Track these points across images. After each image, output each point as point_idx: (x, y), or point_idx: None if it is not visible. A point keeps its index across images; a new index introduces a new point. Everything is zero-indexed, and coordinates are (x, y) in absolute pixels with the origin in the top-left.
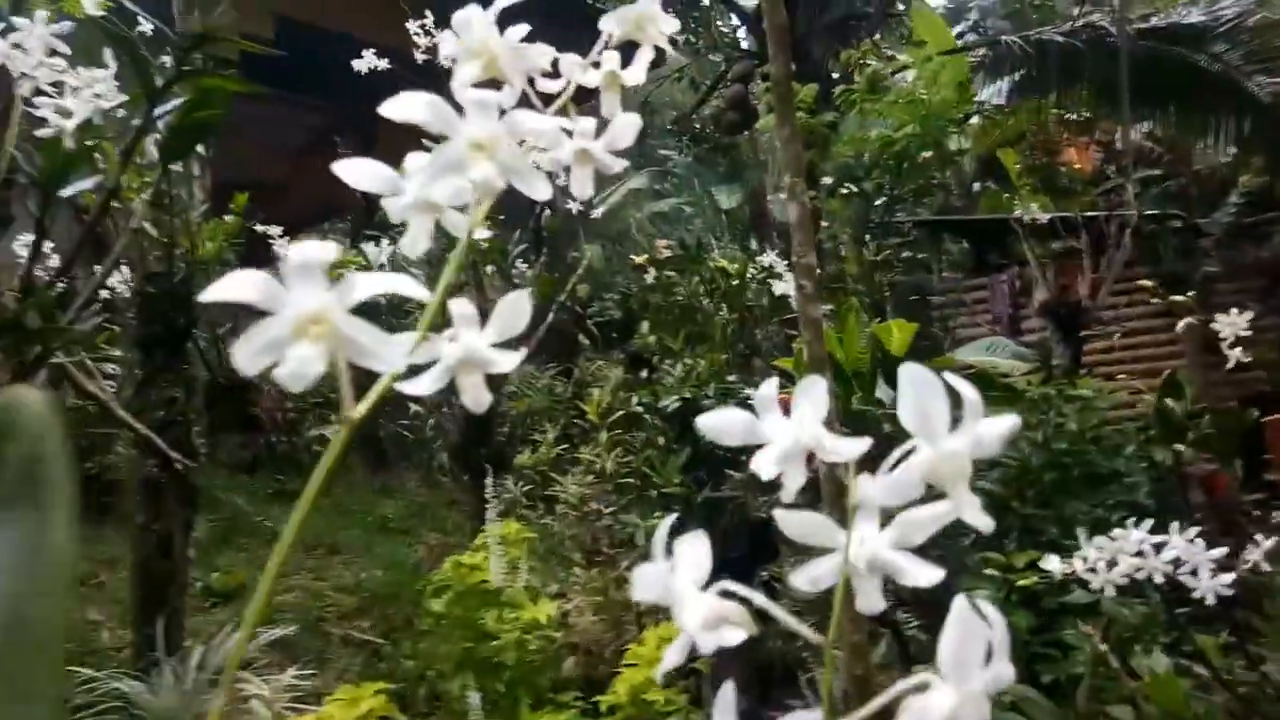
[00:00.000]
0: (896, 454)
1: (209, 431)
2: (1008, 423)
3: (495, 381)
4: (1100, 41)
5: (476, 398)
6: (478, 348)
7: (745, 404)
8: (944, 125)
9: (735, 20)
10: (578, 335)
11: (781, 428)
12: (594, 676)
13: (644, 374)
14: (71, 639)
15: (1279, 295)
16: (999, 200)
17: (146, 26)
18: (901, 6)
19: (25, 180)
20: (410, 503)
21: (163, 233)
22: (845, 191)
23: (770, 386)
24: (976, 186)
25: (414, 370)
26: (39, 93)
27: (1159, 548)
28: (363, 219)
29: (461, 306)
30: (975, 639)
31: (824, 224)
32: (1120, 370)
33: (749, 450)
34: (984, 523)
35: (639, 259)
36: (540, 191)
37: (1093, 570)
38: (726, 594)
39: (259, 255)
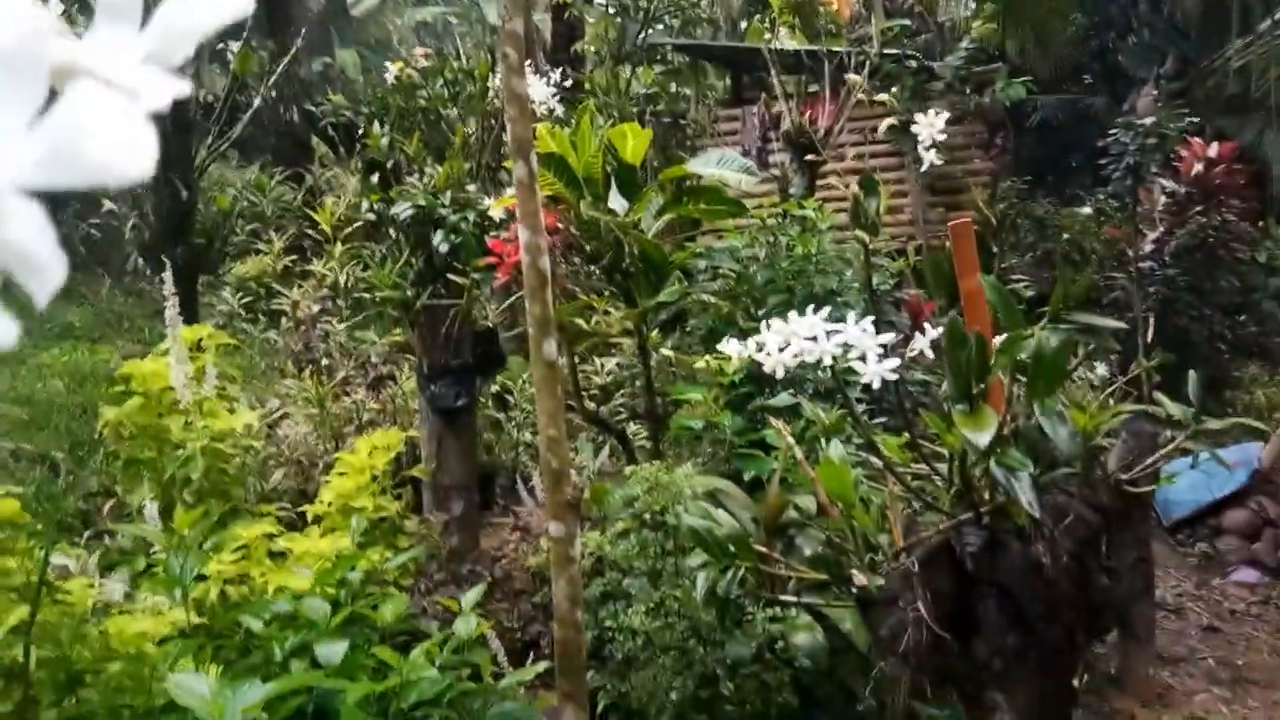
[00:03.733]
0: None
1: None
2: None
3: (184, 170)
4: None
5: None
6: None
7: (485, 215)
8: None
9: None
10: (311, 139)
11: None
12: (308, 489)
13: (375, 180)
14: None
15: (997, 143)
16: (760, 36)
17: None
18: None
19: None
20: (104, 310)
21: None
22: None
23: None
24: (745, 25)
25: None
26: None
27: (831, 334)
28: None
29: None
30: None
31: (586, 44)
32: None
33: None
34: None
35: (394, 66)
36: None
37: (767, 354)
38: None
39: None
